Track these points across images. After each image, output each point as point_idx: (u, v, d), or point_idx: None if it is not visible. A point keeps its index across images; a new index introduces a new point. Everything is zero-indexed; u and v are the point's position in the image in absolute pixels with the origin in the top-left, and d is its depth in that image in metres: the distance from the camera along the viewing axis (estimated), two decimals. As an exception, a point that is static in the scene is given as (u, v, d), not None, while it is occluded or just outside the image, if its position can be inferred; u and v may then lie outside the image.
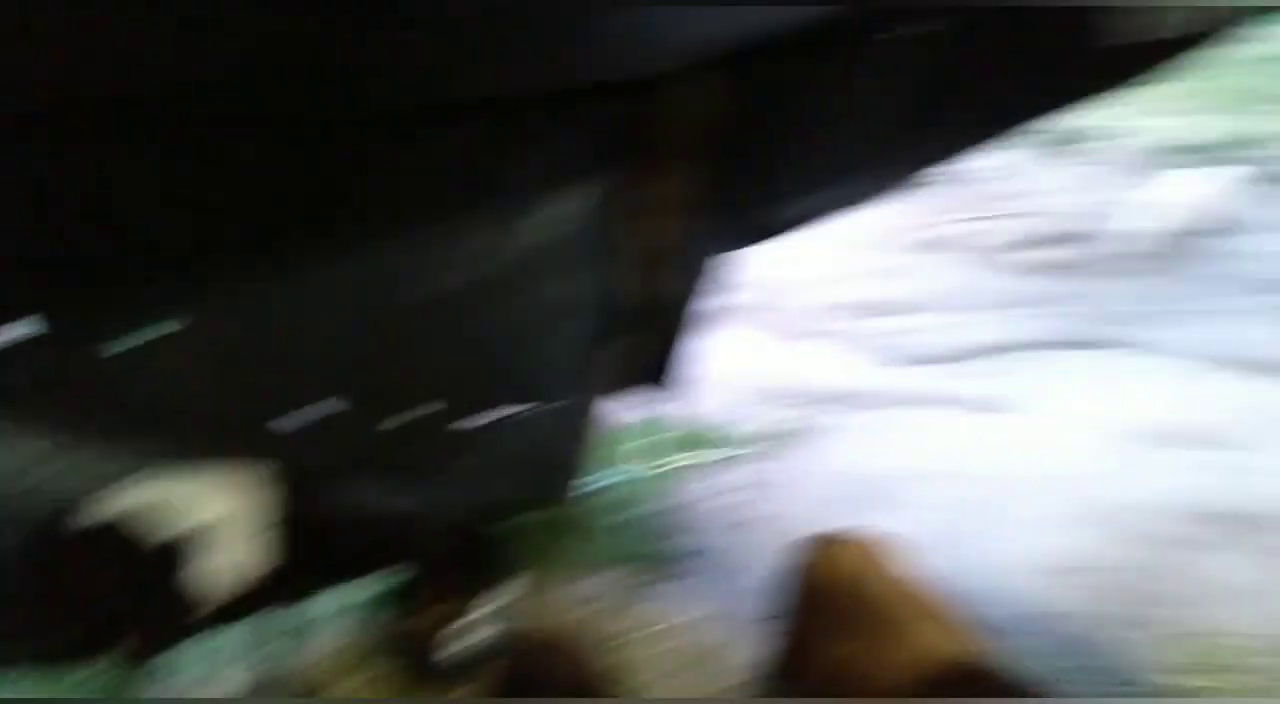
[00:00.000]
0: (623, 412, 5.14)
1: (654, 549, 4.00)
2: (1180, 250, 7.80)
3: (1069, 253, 7.88)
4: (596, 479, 4.52)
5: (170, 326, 1.97)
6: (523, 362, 2.76)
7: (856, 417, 5.19)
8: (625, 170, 2.40)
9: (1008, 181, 9.65)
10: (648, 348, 3.24)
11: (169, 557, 2.52)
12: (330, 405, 2.37)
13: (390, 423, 2.52)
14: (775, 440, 4.79)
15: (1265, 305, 6.39)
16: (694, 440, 4.93)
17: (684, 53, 2.07)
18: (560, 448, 3.32)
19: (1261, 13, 1.95)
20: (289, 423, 2.36)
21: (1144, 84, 2.25)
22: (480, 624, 3.29)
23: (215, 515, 2.54)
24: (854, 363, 6.10)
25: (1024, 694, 1.81)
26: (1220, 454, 4.49)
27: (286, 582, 2.83)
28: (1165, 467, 4.38)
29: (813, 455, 4.71)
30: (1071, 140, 11.01)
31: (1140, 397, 5.15)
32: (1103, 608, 3.47)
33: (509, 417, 2.79)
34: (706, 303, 3.42)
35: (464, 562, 3.45)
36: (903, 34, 1.94)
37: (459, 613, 3.28)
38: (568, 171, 2.34)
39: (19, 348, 1.77)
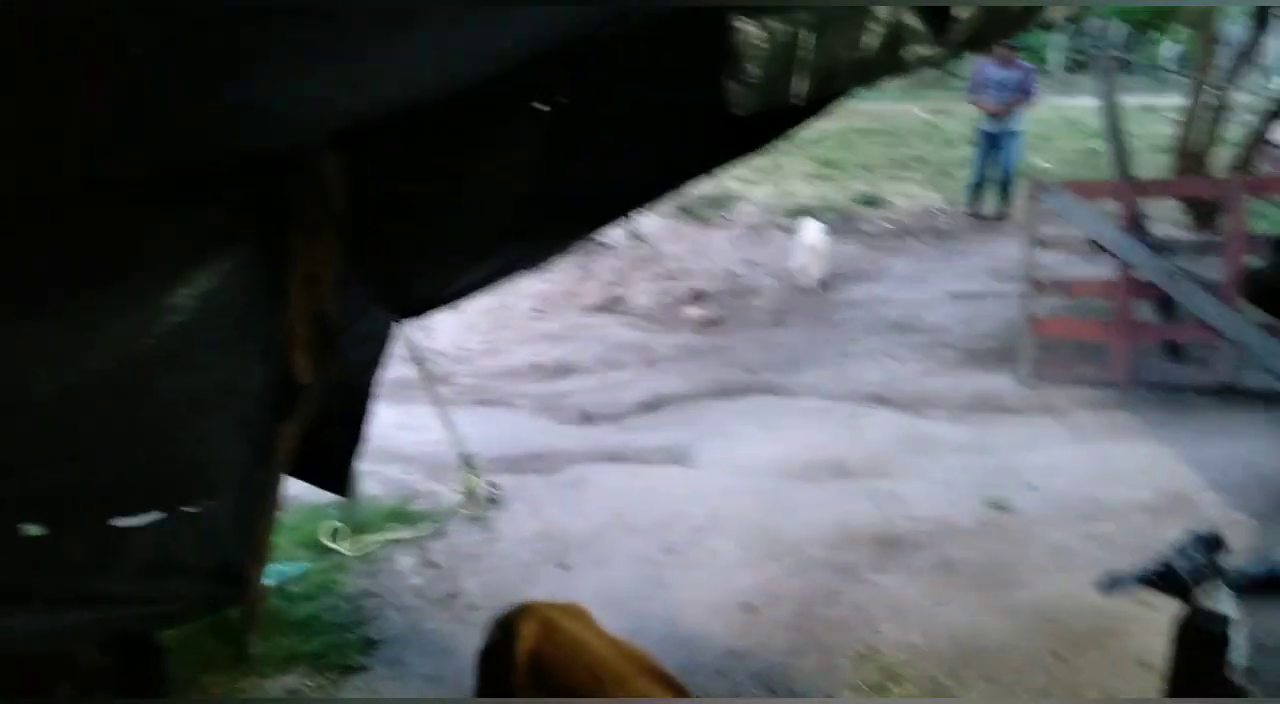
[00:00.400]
0: (301, 497, 4.82)
1: (347, 639, 3.73)
2: (816, 301, 8.63)
3: (718, 309, 8.47)
4: (278, 572, 4.17)
5: None
6: (182, 451, 2.49)
7: (546, 478, 5.20)
8: (271, 247, 2.26)
9: (659, 246, 10.25)
10: (322, 429, 3.05)
11: None
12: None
13: (33, 529, 2.15)
14: (465, 511, 4.67)
15: (893, 345, 7.19)
16: (382, 520, 4.69)
17: (318, 127, 1.98)
18: (233, 542, 3.02)
19: (865, 83, 2.17)
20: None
21: (765, 151, 2.42)
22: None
23: None
24: (536, 425, 6.13)
25: None
26: (870, 483, 4.94)
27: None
28: (823, 499, 4.74)
29: (505, 522, 4.64)
30: (709, 206, 11.91)
31: (795, 436, 5.57)
32: (783, 638, 3.67)
33: (173, 511, 2.50)
34: (378, 378, 3.29)
35: (128, 676, 3.02)
36: (534, 106, 1.97)
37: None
38: (206, 247, 2.17)
39: None
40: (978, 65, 10.31)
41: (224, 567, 2.98)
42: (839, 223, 11.21)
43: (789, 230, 10.62)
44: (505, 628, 2.16)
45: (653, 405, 6.46)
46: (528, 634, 2.08)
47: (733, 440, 5.62)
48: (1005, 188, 10.22)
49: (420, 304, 3.12)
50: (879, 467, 5.15)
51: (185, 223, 2.08)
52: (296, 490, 4.70)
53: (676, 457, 5.48)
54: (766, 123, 2.03)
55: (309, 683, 3.51)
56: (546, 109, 1.80)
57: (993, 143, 10.09)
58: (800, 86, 1.60)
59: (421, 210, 2.34)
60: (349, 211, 2.24)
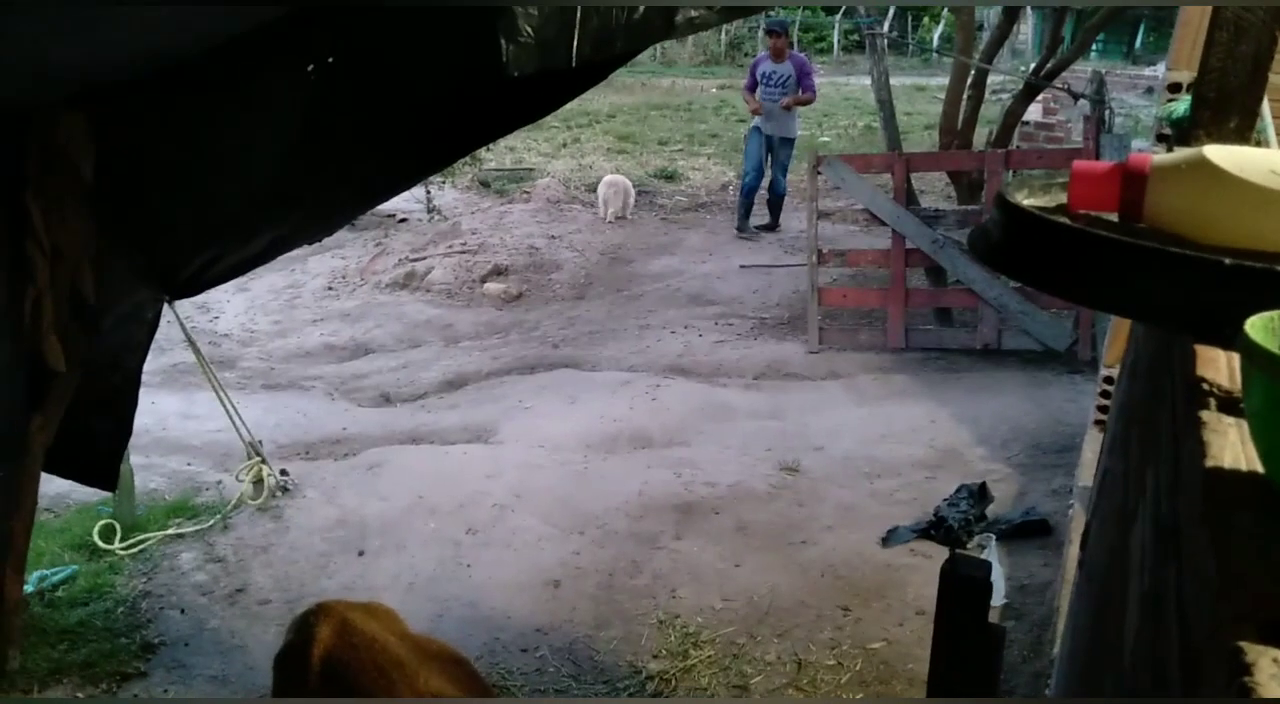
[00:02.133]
0: (71, 495, 4.44)
1: (121, 645, 3.48)
2: (616, 274, 8.71)
3: (519, 284, 8.40)
4: (42, 576, 3.84)
5: None
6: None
7: (339, 464, 5.02)
8: (6, 219, 2.04)
9: (457, 221, 10.06)
10: (83, 419, 2.80)
11: None
12: None
13: None
14: (253, 501, 4.44)
15: (690, 317, 7.35)
16: (162, 516, 4.38)
17: (54, 85, 1.81)
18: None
19: (640, 46, 2.17)
20: None
21: (541, 117, 2.39)
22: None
23: None
24: (331, 408, 5.90)
25: None
26: (670, 452, 5.04)
27: None
28: (625, 470, 4.80)
29: (297, 511, 4.44)
30: (509, 180, 11.79)
31: (597, 409, 5.62)
32: (587, 611, 3.70)
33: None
34: (142, 361, 3.06)
35: None
36: (296, 67, 1.86)
37: None
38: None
39: None
40: (755, 59, 9.74)
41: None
42: (636, 196, 11.36)
43: (588, 205, 10.68)
44: (301, 630, 2.09)
45: (454, 384, 6.35)
46: (323, 636, 2.02)
47: (535, 416, 5.60)
48: (774, 201, 9.52)
49: (190, 282, 2.91)
50: (678, 436, 5.27)
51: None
52: (64, 488, 4.37)
53: (478, 435, 5.41)
54: (543, 88, 2.01)
55: (80, 694, 3.26)
56: (310, 69, 1.70)
57: (765, 147, 9.31)
58: (576, 49, 1.58)
59: (180, 177, 2.17)
60: (99, 180, 2.06)
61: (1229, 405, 0.80)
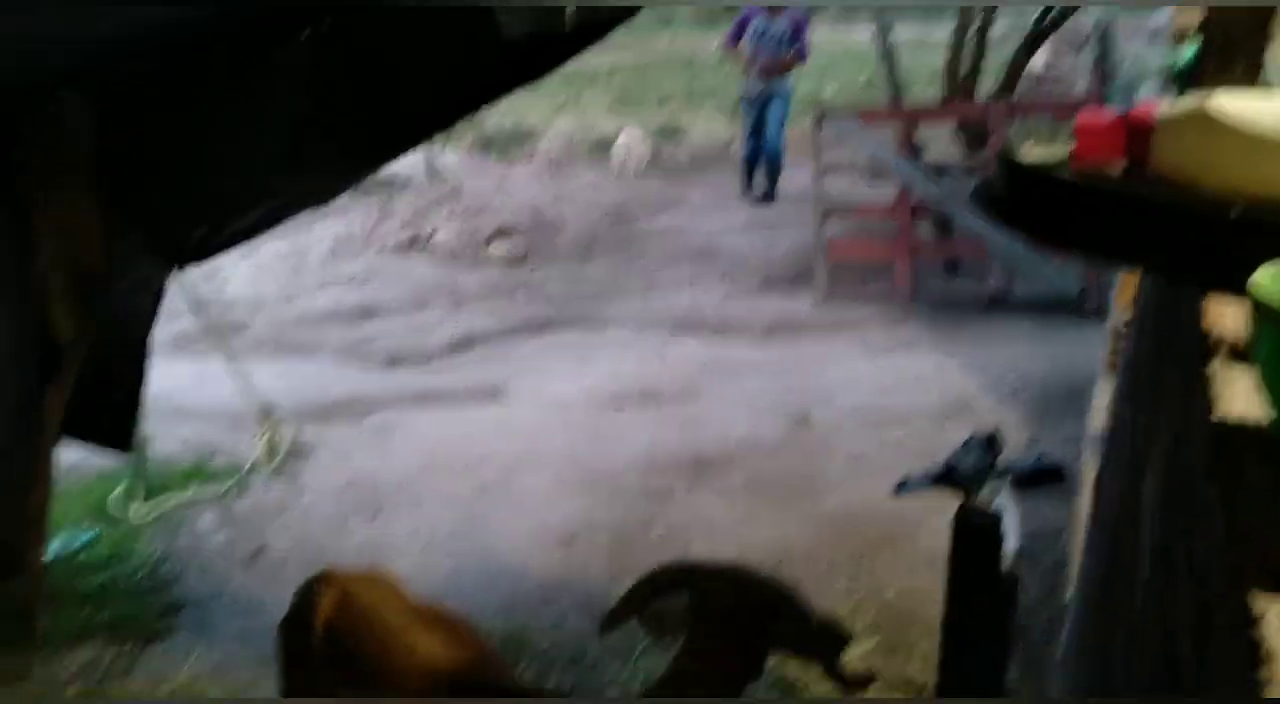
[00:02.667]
0: (88, 463, 4.49)
1: (145, 606, 3.54)
2: (622, 232, 8.68)
3: (523, 245, 8.38)
4: (64, 541, 3.89)
5: None
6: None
7: (353, 426, 5.05)
8: (9, 198, 2.04)
9: (460, 183, 10.01)
10: (96, 386, 2.83)
11: None
12: None
13: None
14: (267, 465, 4.48)
15: (696, 274, 7.33)
16: (179, 481, 4.43)
17: (48, 63, 1.79)
18: (2, 515, 2.78)
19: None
20: None
21: (540, 79, 2.37)
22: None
23: None
24: (340, 372, 5.93)
25: (520, 694, 1.97)
26: (680, 409, 5.06)
27: None
28: (635, 427, 4.83)
29: (310, 474, 4.48)
30: (511, 141, 11.71)
31: (605, 368, 5.63)
32: (601, 566, 3.74)
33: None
34: (153, 328, 3.08)
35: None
36: (291, 38, 1.85)
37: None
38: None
39: None
40: (743, 12, 8.73)
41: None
42: (640, 155, 11.28)
43: (590, 164, 10.61)
44: (304, 598, 2.12)
45: (461, 345, 6.36)
46: (324, 604, 2.05)
47: (544, 376, 5.62)
48: (770, 169, 8.91)
49: (196, 250, 2.91)
50: (687, 392, 5.28)
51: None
52: (81, 456, 4.41)
53: (488, 395, 5.43)
54: (540, 50, 1.99)
55: (107, 654, 3.33)
56: (307, 34, 1.69)
57: (760, 109, 8.65)
58: (569, 11, 1.57)
59: (183, 148, 2.17)
60: (101, 153, 2.05)
61: (1238, 356, 0.80)
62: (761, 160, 8.90)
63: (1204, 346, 0.85)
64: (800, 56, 8.53)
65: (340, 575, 2.15)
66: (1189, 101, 1.13)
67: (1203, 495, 0.68)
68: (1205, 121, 1.04)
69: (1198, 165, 1.05)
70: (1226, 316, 0.89)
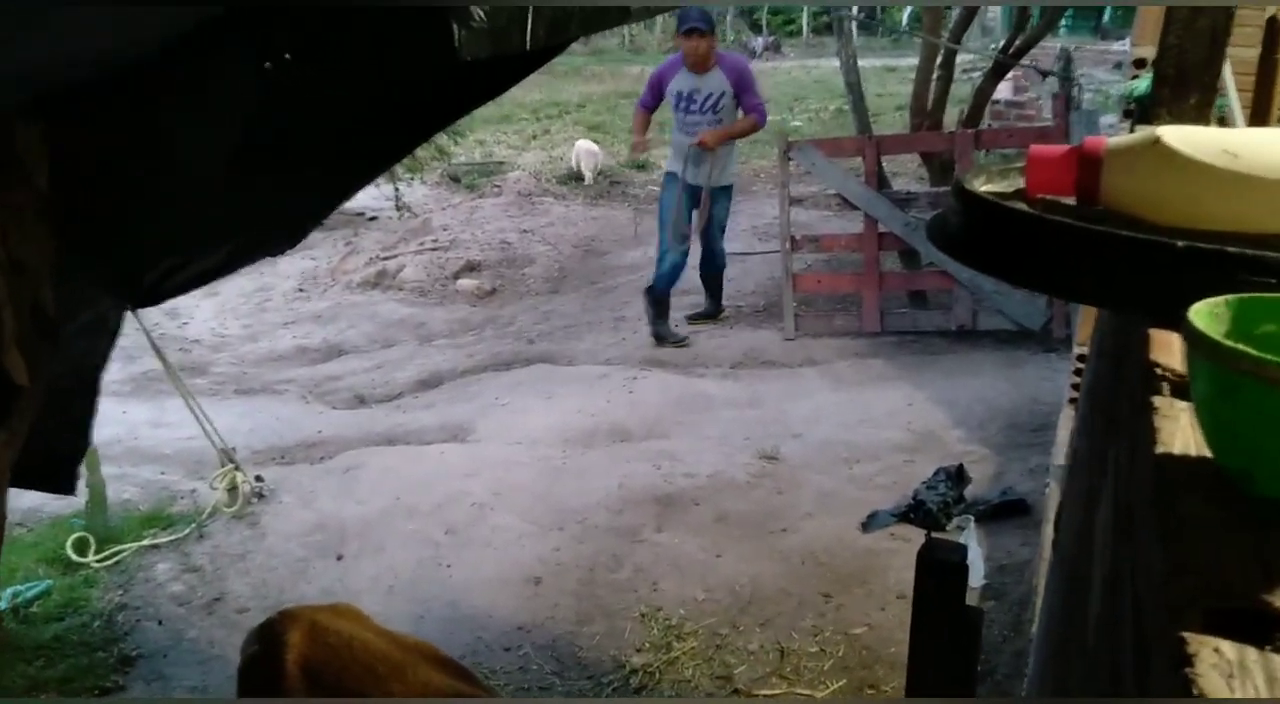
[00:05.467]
0: (42, 509, 4.39)
1: (98, 659, 3.45)
2: (589, 266, 8.69)
3: (492, 280, 8.37)
4: (16, 592, 3.79)
5: None
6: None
7: (318, 466, 4.98)
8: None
9: (428, 217, 10.00)
10: (44, 429, 2.77)
11: None
12: None
13: None
14: (228, 509, 4.40)
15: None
16: (136, 526, 4.34)
17: (3, 96, 1.77)
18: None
19: (593, 29, 2.15)
20: None
21: (494, 98, 2.37)
22: None
23: None
24: (305, 412, 5.86)
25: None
26: (648, 445, 5.03)
27: None
28: (604, 464, 4.79)
29: (273, 517, 4.40)
30: (478, 174, 11.74)
31: (574, 404, 5.60)
32: (569, 607, 3.69)
33: None
34: (101, 369, 3.02)
35: None
36: (250, 66, 1.82)
37: None
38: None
39: None
40: (658, 68, 6.60)
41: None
42: (607, 187, 11.35)
43: (559, 197, 10.65)
44: (267, 639, 2.01)
45: (429, 383, 6.32)
46: (294, 641, 1.95)
47: (512, 413, 5.58)
48: (712, 279, 6.83)
49: (152, 291, 2.87)
50: (656, 428, 5.26)
51: None
52: (36, 502, 4.32)
53: (455, 434, 5.39)
54: (496, 70, 1.99)
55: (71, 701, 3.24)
56: (268, 66, 1.67)
57: (690, 198, 6.31)
58: (530, 33, 1.56)
59: (138, 184, 2.14)
60: (56, 189, 2.02)
61: (1181, 390, 0.80)
62: (682, 273, 6.55)
63: (1149, 379, 0.85)
64: (754, 113, 6.30)
65: (303, 609, 2.08)
66: (1137, 134, 1.14)
67: (1144, 528, 0.67)
68: (1153, 153, 1.05)
69: (1145, 198, 1.06)
70: (1171, 350, 0.89)
